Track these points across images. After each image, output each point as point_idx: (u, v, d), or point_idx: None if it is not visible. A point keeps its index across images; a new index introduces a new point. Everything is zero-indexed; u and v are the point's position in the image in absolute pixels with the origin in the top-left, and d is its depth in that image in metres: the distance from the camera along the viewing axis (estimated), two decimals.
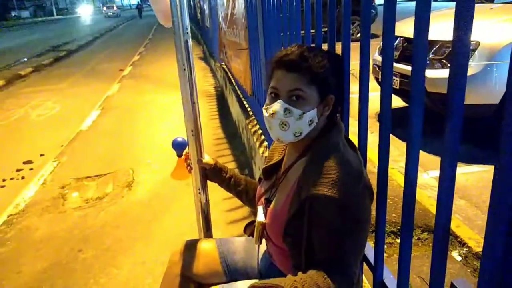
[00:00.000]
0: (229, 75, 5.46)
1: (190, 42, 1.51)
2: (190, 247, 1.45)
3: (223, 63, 6.22)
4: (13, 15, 61.64)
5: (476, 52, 3.34)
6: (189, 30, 1.49)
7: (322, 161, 1.02)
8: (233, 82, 5.07)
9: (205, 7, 9.35)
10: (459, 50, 0.72)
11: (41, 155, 4.68)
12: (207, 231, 1.70)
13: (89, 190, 3.59)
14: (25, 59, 13.59)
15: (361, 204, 0.99)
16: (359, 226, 1.00)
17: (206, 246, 1.45)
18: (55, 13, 61.32)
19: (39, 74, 11.03)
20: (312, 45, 1.61)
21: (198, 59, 10.43)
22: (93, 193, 3.52)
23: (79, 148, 4.73)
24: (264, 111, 1.11)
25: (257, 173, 3.18)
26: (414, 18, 0.86)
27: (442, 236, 0.88)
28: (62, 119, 6.23)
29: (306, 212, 1.02)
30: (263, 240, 1.28)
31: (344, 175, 0.98)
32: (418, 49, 0.87)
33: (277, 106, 1.05)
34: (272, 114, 1.06)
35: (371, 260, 1.29)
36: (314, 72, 1.04)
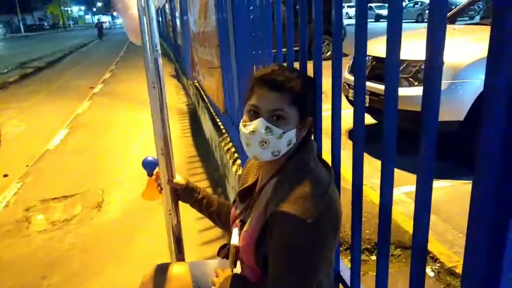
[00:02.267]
0: (202, 92, 5.44)
1: (160, 60, 1.48)
2: (161, 272, 1.40)
3: (195, 81, 6.20)
4: None
5: None
6: (159, 48, 1.47)
7: (290, 179, 1.03)
8: (206, 100, 5.05)
9: (177, 25, 9.36)
10: (432, 69, 0.73)
11: (5, 175, 4.48)
12: (179, 254, 1.65)
13: (56, 212, 3.45)
14: None
15: (321, 225, 0.95)
16: (315, 247, 0.96)
17: (178, 270, 1.40)
18: (22, 30, 59.92)
19: (5, 92, 10.65)
20: (284, 63, 1.62)
21: (171, 76, 10.38)
22: (60, 215, 3.37)
23: (45, 168, 4.56)
24: (242, 127, 1.08)
25: (231, 192, 3.14)
26: (382, 37, 0.87)
27: (419, 254, 0.87)
28: (28, 138, 6.00)
29: (268, 228, 1.01)
30: (238, 263, 1.25)
31: (307, 193, 0.97)
32: (390, 67, 0.88)
33: (259, 124, 1.03)
34: (253, 131, 1.04)
35: (347, 281, 1.27)
36: (296, 93, 1.03)
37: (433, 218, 2.78)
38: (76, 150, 5.13)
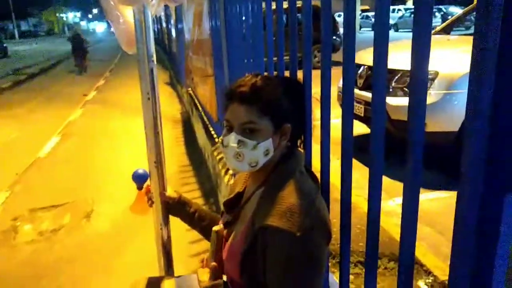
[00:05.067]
0: (196, 101, 5.41)
1: (156, 71, 1.45)
2: (150, 286, 1.36)
3: (189, 89, 6.18)
4: None
5: (435, 81, 3.44)
6: (154, 58, 1.43)
7: (275, 191, 1.01)
8: (200, 108, 5.02)
9: (172, 32, 9.37)
10: (417, 79, 0.72)
11: None
12: (169, 269, 1.61)
13: (44, 221, 3.38)
14: None
15: (311, 237, 0.94)
16: (309, 262, 0.95)
17: (166, 287, 1.36)
18: (17, 36, 59.67)
19: None
20: (275, 73, 1.59)
21: (165, 84, 10.36)
22: (48, 225, 3.31)
23: (35, 177, 4.50)
24: (219, 142, 1.09)
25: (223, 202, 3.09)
26: None
27: (407, 265, 0.85)
28: (18, 146, 5.91)
29: (258, 244, 0.98)
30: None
31: (294, 206, 0.95)
32: (378, 76, 0.86)
33: (231, 138, 1.04)
34: (226, 146, 1.05)
35: None
36: (265, 103, 1.02)
37: (428, 230, 2.74)
38: (67, 158, 5.07)
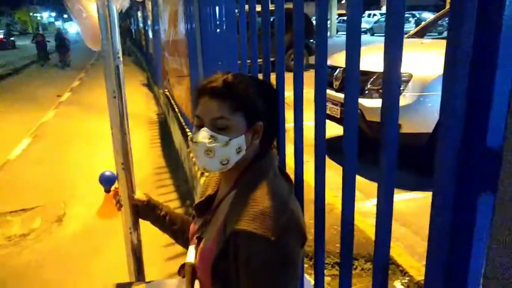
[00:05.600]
0: (172, 102, 5.34)
1: (122, 68, 1.40)
2: None
3: (166, 90, 6.10)
4: None
5: (409, 83, 3.49)
6: (120, 54, 1.37)
7: (248, 192, 0.97)
8: (176, 109, 4.95)
9: (149, 33, 9.26)
10: (390, 81, 0.71)
11: None
12: (139, 274, 1.55)
13: (13, 226, 3.26)
14: None
15: (285, 240, 0.91)
16: (284, 266, 0.92)
17: None
18: None
19: None
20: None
21: (142, 85, 10.19)
22: (17, 230, 3.19)
23: (4, 179, 4.34)
24: (189, 139, 1.04)
25: None
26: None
27: (382, 266, 0.84)
28: None
29: (231, 250, 0.94)
30: (197, 282, 1.17)
31: (267, 208, 0.92)
32: (350, 77, 0.85)
33: (202, 134, 0.99)
34: (196, 142, 0.99)
35: None
36: (238, 99, 0.99)
37: (403, 230, 2.77)
38: (38, 160, 4.92)
